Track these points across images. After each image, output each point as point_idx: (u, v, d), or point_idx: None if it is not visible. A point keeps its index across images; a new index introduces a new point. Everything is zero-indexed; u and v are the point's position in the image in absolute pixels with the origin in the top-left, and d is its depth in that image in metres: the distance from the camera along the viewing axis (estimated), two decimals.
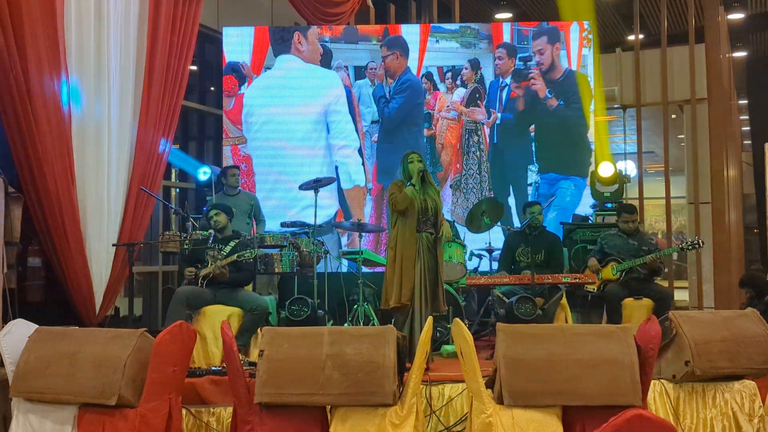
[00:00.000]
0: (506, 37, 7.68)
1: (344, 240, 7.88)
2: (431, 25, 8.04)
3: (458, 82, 7.74)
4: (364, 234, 6.69)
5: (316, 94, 7.96)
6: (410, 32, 7.92)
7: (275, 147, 7.94)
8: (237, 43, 8.04)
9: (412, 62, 7.86)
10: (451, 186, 7.75)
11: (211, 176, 7.09)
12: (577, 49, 7.71)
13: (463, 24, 7.99)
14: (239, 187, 6.81)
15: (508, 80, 7.68)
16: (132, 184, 5.93)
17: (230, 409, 3.97)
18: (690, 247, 5.68)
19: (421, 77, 7.80)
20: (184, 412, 4.00)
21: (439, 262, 4.97)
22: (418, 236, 4.93)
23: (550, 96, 7.43)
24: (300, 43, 7.97)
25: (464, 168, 7.77)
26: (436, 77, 7.78)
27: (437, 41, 7.56)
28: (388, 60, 7.84)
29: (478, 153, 7.66)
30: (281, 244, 6.22)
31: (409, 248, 4.88)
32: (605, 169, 7.28)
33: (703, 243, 5.71)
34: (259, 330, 5.23)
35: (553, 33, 7.65)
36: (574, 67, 7.71)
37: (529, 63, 7.55)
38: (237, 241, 5.45)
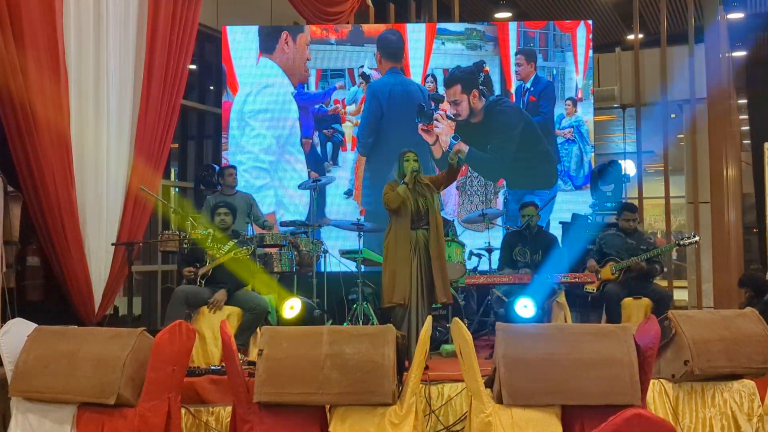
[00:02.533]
0: (512, 39, 7.54)
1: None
2: (437, 27, 7.90)
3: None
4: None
5: (277, 116, 7.85)
6: (415, 38, 7.74)
7: (258, 151, 7.90)
8: (241, 48, 8.00)
9: (417, 66, 7.73)
10: (457, 188, 7.71)
11: None
12: (584, 51, 7.60)
13: (469, 26, 7.89)
14: (236, 187, 6.80)
15: (528, 84, 7.61)
16: (131, 183, 5.92)
17: (229, 409, 3.97)
18: (686, 242, 5.69)
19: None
20: (183, 411, 4.00)
21: (434, 256, 4.93)
22: (413, 234, 4.93)
23: (455, 141, 7.27)
24: (287, 43, 7.82)
25: (469, 170, 7.74)
26: (440, 79, 7.66)
27: (443, 43, 7.45)
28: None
29: None
30: (280, 243, 6.22)
31: (402, 247, 4.89)
32: None
33: (699, 238, 5.72)
34: (258, 329, 5.24)
35: (470, 79, 7.40)
36: (581, 70, 7.56)
37: (440, 105, 7.47)
38: (236, 240, 5.46)
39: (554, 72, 7.59)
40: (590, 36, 7.62)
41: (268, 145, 7.81)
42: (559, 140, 7.59)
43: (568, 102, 7.57)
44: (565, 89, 7.59)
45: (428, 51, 7.53)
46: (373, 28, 8.15)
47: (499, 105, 7.39)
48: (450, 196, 7.65)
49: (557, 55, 7.58)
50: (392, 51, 7.63)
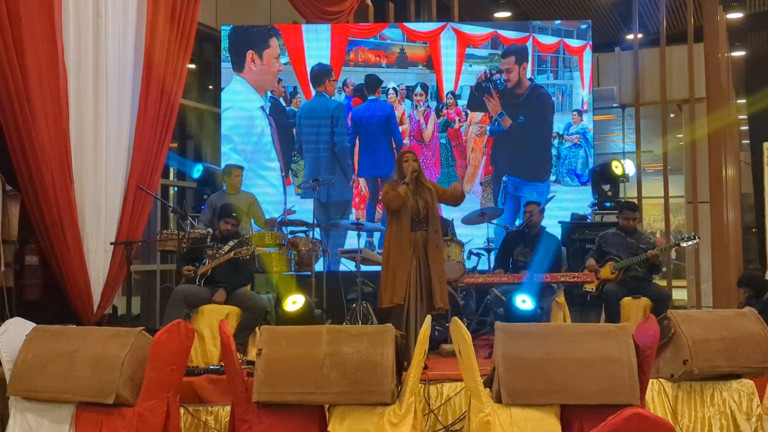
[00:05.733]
0: (528, 63, 8.36)
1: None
2: (465, 52, 8.37)
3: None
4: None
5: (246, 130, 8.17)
6: (449, 61, 8.31)
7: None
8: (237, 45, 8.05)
9: (449, 81, 8.27)
10: (481, 184, 8.22)
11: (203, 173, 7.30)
12: (589, 72, 8.32)
13: (492, 51, 8.46)
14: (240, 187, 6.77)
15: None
16: (130, 182, 5.91)
17: (228, 408, 3.97)
18: (686, 242, 5.69)
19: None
20: (182, 411, 4.00)
21: (432, 259, 4.93)
22: (413, 235, 4.93)
23: (502, 117, 8.17)
24: (253, 62, 8.05)
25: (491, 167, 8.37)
26: (466, 94, 8.40)
27: (470, 65, 8.44)
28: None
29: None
30: (279, 243, 6.21)
31: (402, 248, 4.88)
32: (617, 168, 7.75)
33: (699, 237, 5.73)
34: (257, 329, 5.24)
35: (522, 53, 8.31)
36: (586, 86, 8.32)
37: (494, 77, 8.35)
38: (235, 240, 5.45)
39: (563, 88, 8.45)
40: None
41: None
42: (568, 144, 8.32)
43: (575, 113, 8.33)
44: (572, 102, 8.37)
45: (458, 71, 8.37)
46: (416, 54, 8.39)
47: (543, 90, 8.33)
48: (475, 190, 8.11)
49: (566, 74, 8.41)
50: (321, 80, 8.32)
